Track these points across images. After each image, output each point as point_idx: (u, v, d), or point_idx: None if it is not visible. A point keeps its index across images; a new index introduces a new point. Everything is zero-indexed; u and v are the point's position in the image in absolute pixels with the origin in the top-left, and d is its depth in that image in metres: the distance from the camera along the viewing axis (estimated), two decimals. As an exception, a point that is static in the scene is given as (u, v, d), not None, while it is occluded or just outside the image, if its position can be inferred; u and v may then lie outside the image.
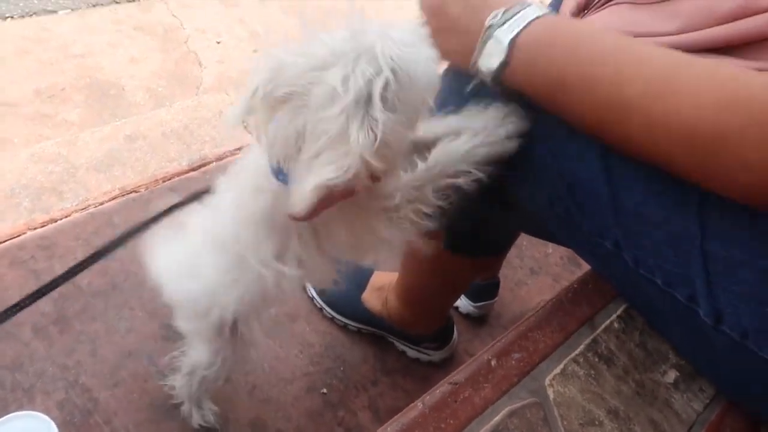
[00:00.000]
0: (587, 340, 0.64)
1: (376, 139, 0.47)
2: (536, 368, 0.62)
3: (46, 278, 0.77)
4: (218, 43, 2.05)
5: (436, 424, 0.55)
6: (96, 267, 0.81)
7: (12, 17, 1.90)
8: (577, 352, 0.64)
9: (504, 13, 0.56)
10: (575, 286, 0.69)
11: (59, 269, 0.81)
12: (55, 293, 0.91)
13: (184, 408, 0.96)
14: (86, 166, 1.43)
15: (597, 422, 0.59)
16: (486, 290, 1.28)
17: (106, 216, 1.31)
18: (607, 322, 0.67)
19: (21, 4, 1.95)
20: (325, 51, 0.48)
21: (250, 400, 1.06)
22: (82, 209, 1.34)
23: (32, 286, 0.78)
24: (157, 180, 1.44)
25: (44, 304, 1.08)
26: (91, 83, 1.75)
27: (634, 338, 0.67)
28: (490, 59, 0.57)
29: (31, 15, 1.94)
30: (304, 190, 0.48)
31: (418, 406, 0.57)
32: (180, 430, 0.99)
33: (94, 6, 2.03)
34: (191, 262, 0.72)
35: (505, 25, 0.55)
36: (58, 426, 0.85)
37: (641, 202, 0.57)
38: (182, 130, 1.59)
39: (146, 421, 0.98)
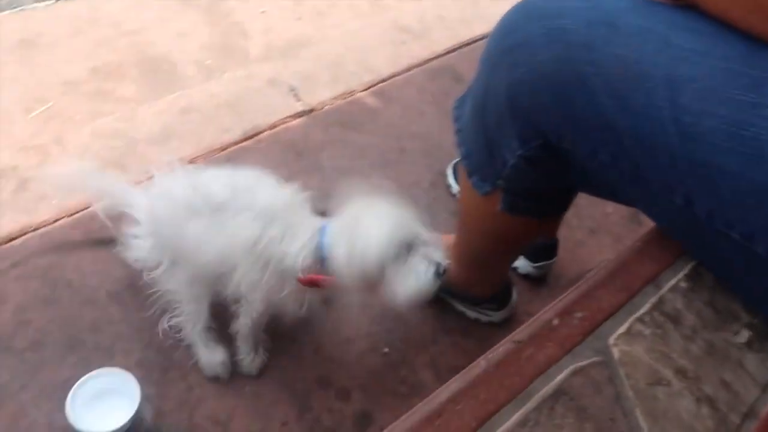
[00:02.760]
0: (653, 299, 0.63)
1: None
2: (600, 327, 0.61)
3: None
4: (262, 12, 2.05)
5: (500, 381, 0.56)
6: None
7: (63, -1, 1.95)
8: (642, 311, 0.63)
9: None
10: (638, 244, 0.67)
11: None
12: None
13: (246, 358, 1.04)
14: (145, 140, 1.48)
15: (664, 382, 0.58)
16: (545, 250, 1.26)
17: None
18: (674, 281, 0.65)
19: (71, -14, 2.00)
20: None
21: (315, 359, 1.11)
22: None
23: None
24: (213, 150, 1.48)
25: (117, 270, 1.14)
26: (144, 59, 1.79)
27: (702, 297, 0.65)
28: None
29: (80, -4, 1.98)
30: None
31: (481, 364, 0.58)
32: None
33: (140, -17, 2.06)
34: None
35: None
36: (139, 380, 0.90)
37: (716, 153, 0.55)
38: (234, 101, 1.61)
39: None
